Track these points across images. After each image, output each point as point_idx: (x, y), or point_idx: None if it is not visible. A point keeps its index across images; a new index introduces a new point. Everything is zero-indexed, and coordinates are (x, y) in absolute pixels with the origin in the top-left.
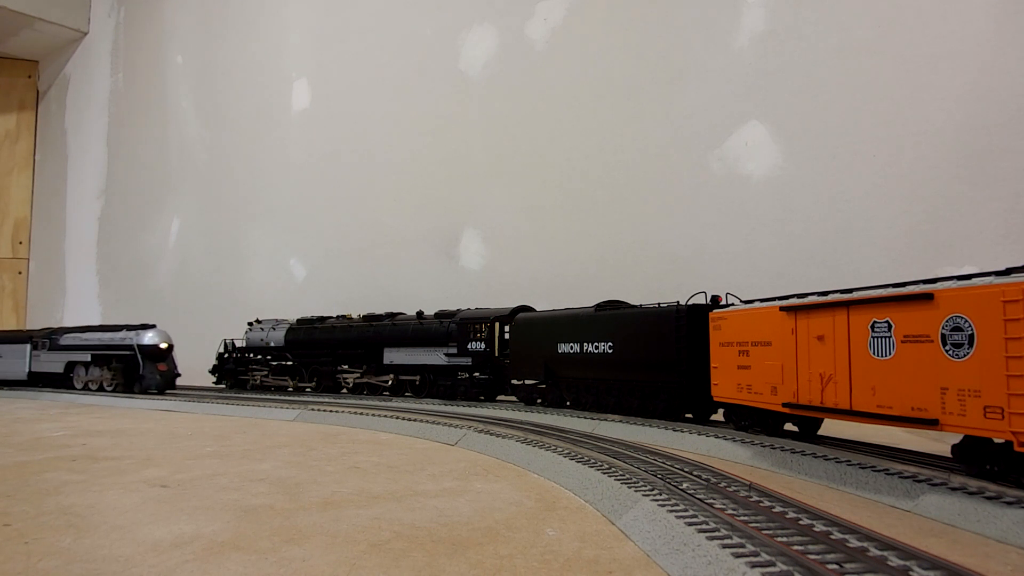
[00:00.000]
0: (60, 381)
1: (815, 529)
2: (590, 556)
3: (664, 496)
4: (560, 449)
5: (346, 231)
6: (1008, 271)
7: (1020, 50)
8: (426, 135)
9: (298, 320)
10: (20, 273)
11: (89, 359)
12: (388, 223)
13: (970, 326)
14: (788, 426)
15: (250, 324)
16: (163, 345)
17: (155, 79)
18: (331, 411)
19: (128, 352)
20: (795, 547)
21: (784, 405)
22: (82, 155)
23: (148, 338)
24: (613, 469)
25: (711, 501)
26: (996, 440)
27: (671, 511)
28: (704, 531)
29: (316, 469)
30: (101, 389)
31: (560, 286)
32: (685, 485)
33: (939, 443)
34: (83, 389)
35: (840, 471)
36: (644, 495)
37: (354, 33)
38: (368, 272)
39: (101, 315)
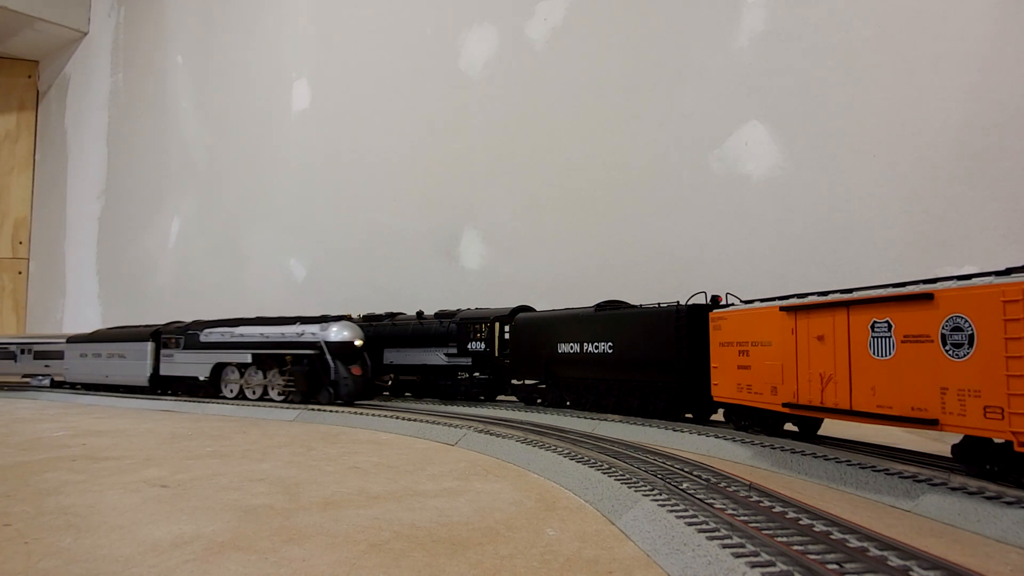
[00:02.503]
0: (200, 387)
1: (815, 529)
2: (590, 556)
3: (664, 496)
4: (560, 449)
5: (346, 231)
6: (1008, 271)
7: (1020, 50)
8: (426, 135)
9: None
10: (20, 273)
11: (249, 360)
12: (388, 223)
13: (970, 326)
14: (788, 426)
15: None
16: (357, 342)
17: (155, 79)
18: (331, 411)
19: (312, 351)
20: (795, 547)
21: (784, 405)
22: (82, 155)
23: (335, 332)
24: (613, 469)
25: (711, 501)
26: (996, 440)
27: (671, 511)
28: (704, 531)
29: (316, 469)
30: (264, 398)
31: (560, 286)
32: (685, 485)
33: (939, 443)
34: (237, 397)
35: (840, 471)
36: (644, 495)
37: (354, 33)
38: (368, 272)
39: (101, 315)
